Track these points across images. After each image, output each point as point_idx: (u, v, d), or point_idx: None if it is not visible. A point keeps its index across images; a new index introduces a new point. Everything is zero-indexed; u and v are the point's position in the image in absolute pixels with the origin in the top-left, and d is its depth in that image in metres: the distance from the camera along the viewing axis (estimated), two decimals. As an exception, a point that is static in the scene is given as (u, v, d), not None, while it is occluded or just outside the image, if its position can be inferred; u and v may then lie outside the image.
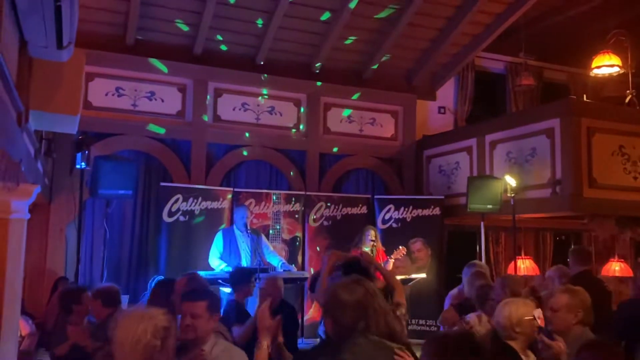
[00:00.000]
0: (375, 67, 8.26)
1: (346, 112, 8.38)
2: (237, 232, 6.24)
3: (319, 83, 8.10)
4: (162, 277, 6.18)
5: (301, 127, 8.08)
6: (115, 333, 2.10)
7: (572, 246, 9.40)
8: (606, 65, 7.26)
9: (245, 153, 7.69)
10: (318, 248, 7.45)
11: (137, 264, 6.95)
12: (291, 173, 7.91)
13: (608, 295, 4.50)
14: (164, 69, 7.28)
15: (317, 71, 8.11)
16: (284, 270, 6.13)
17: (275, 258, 6.33)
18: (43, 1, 2.50)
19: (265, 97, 7.88)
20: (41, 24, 2.76)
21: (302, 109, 8.11)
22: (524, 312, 2.94)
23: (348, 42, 7.87)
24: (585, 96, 7.80)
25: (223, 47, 7.57)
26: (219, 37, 7.43)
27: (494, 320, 3.04)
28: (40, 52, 3.10)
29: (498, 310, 3.01)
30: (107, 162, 5.80)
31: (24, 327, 5.01)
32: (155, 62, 7.24)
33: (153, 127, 7.17)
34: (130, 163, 6.13)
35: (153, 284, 5.98)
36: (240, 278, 4.41)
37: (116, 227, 6.82)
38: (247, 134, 7.69)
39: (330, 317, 2.28)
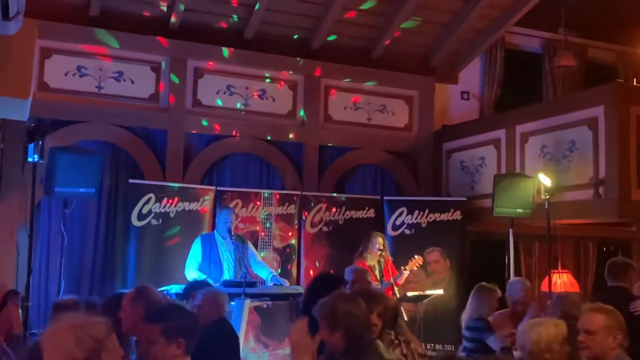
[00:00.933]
0: (386, 43, 8.25)
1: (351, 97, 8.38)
2: (218, 239, 6.25)
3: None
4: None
5: (301, 113, 8.07)
6: (42, 341, 2.12)
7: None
8: (661, 43, 7.25)
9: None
10: (318, 264, 7.45)
11: (100, 276, 6.95)
12: (285, 169, 7.92)
13: None
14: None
15: (318, 48, 8.10)
16: (274, 285, 6.15)
17: (264, 270, 6.33)
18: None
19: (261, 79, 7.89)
20: (-18, -10, 2.76)
21: (298, 93, 8.12)
22: (555, 335, 2.92)
23: (364, 7, 7.85)
24: (636, 80, 7.78)
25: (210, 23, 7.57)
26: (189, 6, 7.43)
27: (518, 344, 3.04)
28: (-18, 23, 3.10)
29: (523, 332, 3.01)
30: (66, 155, 5.80)
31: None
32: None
33: None
34: (93, 156, 6.13)
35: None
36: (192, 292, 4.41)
37: (76, 232, 6.81)
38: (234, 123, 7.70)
39: (342, 329, 2.57)
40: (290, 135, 8.01)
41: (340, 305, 2.74)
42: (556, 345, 2.92)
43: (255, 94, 7.92)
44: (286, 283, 6.34)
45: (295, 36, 8.04)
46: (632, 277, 4.63)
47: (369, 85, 8.40)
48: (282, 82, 8.07)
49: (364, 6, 7.79)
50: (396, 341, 3.36)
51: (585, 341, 3.02)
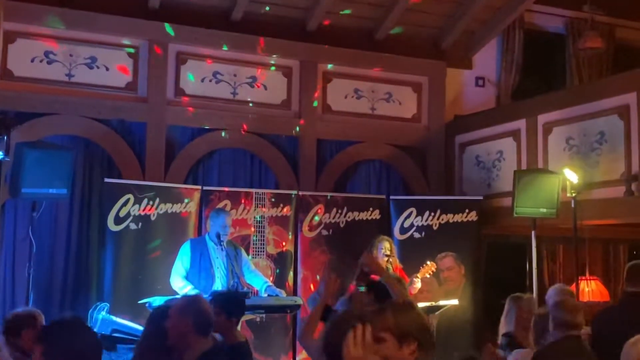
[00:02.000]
0: (394, 28, 8.27)
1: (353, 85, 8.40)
2: (210, 245, 6.25)
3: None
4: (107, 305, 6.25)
5: (293, 104, 8.10)
6: None
7: None
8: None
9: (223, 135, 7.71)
10: (319, 277, 7.47)
11: (73, 287, 6.96)
12: (279, 166, 7.94)
13: None
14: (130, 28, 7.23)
15: (315, 30, 8.12)
16: (268, 295, 6.17)
17: (259, 279, 6.35)
18: None
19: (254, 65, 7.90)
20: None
21: (293, 80, 8.14)
22: None
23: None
24: (671, 63, 7.82)
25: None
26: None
27: None
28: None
29: (627, 351, 3.03)
30: (33, 151, 5.80)
31: None
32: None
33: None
34: (64, 152, 6.13)
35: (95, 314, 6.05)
36: None
37: (46, 238, 6.81)
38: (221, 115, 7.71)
39: (414, 340, 2.53)
40: (284, 128, 8.02)
41: (407, 315, 2.65)
42: None
43: (245, 81, 7.93)
44: (282, 294, 6.35)
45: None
46: None
47: (373, 70, 8.41)
48: (275, 68, 8.08)
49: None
50: None
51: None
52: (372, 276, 3.95)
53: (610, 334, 3.50)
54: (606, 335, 3.23)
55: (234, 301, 4.28)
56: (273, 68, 8.08)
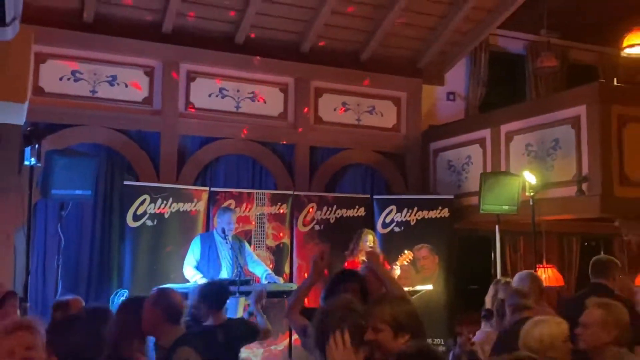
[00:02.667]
0: (374, 46, 8.27)
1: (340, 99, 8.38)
2: (217, 239, 6.22)
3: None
4: (126, 291, 6.21)
5: (289, 116, 8.08)
6: None
7: (602, 253, 9.46)
8: (639, 44, 7.30)
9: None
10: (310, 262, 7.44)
11: (97, 276, 6.92)
12: (277, 170, 7.91)
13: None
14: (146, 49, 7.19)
15: (308, 51, 8.10)
16: (268, 282, 6.14)
17: (260, 267, 6.32)
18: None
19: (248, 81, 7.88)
20: (-21, -4, 2.74)
21: (289, 95, 8.11)
22: (557, 333, 2.95)
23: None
24: (616, 80, 7.83)
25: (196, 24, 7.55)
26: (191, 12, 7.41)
27: (520, 342, 3.01)
28: (-20, 29, 3.08)
29: (525, 330, 3.02)
30: (62, 158, 5.76)
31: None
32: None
33: None
34: (88, 159, 6.09)
35: (116, 299, 6.02)
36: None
37: (72, 233, 6.78)
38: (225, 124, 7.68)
39: (408, 332, 2.47)
40: (282, 137, 8.00)
41: (403, 308, 2.57)
42: (559, 342, 2.93)
43: (246, 96, 7.90)
44: (280, 281, 6.33)
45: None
46: (615, 275, 4.65)
47: (358, 86, 8.40)
48: (273, 85, 8.06)
49: (353, 10, 7.80)
50: None
51: (580, 334, 3.06)
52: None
53: (576, 319, 3.49)
54: (573, 318, 3.21)
55: (211, 294, 4.18)
56: (271, 85, 8.05)
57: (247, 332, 4.24)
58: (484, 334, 4.55)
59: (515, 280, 4.55)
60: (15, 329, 2.48)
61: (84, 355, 2.56)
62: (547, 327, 2.97)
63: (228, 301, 5.33)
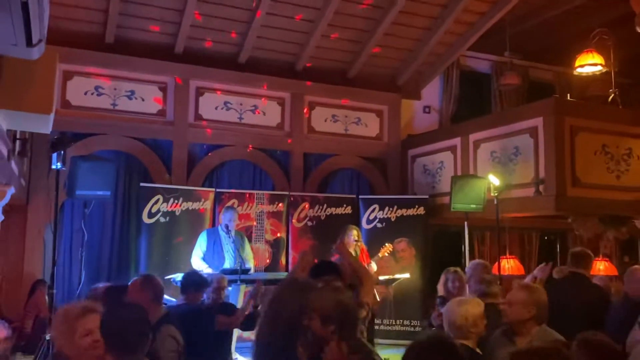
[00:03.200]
0: (359, 66, 8.28)
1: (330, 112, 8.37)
2: (221, 234, 6.19)
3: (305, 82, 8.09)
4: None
5: (286, 126, 8.07)
6: None
7: (557, 247, 9.48)
8: (589, 64, 7.32)
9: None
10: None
11: (116, 267, 6.89)
12: (275, 173, 7.90)
13: (599, 297, 4.41)
14: (160, 67, 7.18)
15: (302, 70, 8.11)
16: (266, 273, 6.12)
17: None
18: (9, -2, 2.46)
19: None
20: (9, 21, 2.71)
21: (286, 108, 8.10)
22: (479, 312, 3.07)
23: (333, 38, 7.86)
24: (569, 95, 7.86)
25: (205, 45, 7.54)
26: (201, 36, 7.40)
27: (445, 319, 3.08)
28: (10, 49, 3.05)
29: (452, 310, 3.07)
30: (85, 162, 5.71)
31: (0, 330, 4.94)
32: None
33: None
34: (108, 163, 6.06)
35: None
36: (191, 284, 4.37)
37: (95, 229, 6.76)
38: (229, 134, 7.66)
39: (334, 324, 2.36)
40: (279, 144, 7.98)
41: (331, 297, 2.43)
42: (479, 320, 3.04)
43: (248, 109, 7.89)
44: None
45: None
46: (590, 265, 4.66)
47: (346, 100, 8.40)
48: (271, 99, 8.05)
49: (340, 35, 7.81)
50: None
51: (505, 310, 3.20)
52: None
53: (559, 302, 3.52)
54: (556, 302, 3.25)
55: (190, 281, 4.28)
56: (270, 99, 8.04)
57: (223, 308, 4.35)
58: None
59: (467, 269, 4.53)
60: (88, 311, 2.42)
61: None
62: (470, 306, 3.07)
63: (230, 288, 5.36)
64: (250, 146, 7.77)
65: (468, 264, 6.92)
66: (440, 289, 4.72)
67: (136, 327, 2.31)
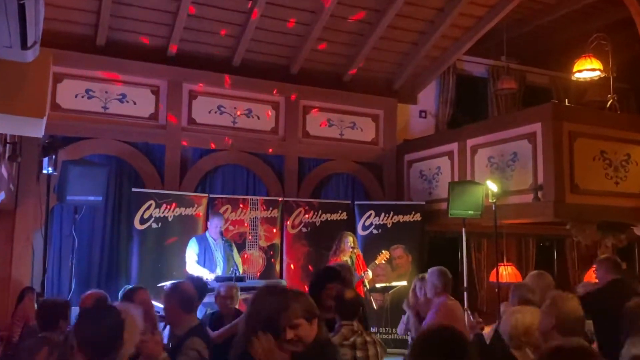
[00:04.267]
0: (354, 70, 8.31)
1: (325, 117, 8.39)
2: (210, 240, 6.19)
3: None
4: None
5: (280, 130, 8.08)
6: None
7: (555, 253, 9.53)
8: (587, 69, 7.39)
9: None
10: (298, 260, 7.43)
11: (107, 274, 6.86)
12: (269, 178, 7.89)
13: None
14: (152, 71, 7.19)
15: (296, 73, 8.12)
16: (260, 280, 6.11)
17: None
18: (5, 0, 2.46)
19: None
20: (4, 23, 2.71)
21: (280, 113, 8.11)
22: (530, 321, 3.00)
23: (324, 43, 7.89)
24: (567, 100, 7.93)
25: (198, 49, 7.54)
26: (193, 38, 7.40)
27: (501, 328, 3.08)
28: (4, 52, 3.04)
29: (504, 318, 3.08)
30: (76, 167, 5.71)
31: (-13, 339, 4.90)
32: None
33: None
34: (100, 167, 6.05)
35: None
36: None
37: (85, 235, 6.73)
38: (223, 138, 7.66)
39: (315, 317, 2.49)
40: (273, 149, 7.99)
41: (303, 298, 2.57)
42: (531, 329, 2.98)
43: (242, 113, 7.89)
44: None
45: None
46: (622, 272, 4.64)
47: (341, 105, 8.41)
48: (265, 103, 8.05)
49: (336, 38, 7.84)
50: (358, 331, 3.26)
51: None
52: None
53: (603, 309, 3.47)
54: (599, 310, 3.18)
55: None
56: (264, 103, 8.04)
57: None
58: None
59: (428, 274, 4.53)
60: None
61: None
62: (521, 315, 3.02)
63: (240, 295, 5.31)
64: (229, 140, 7.72)
65: (466, 269, 6.99)
66: (411, 296, 4.71)
67: (108, 331, 2.32)
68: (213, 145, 7.62)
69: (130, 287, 4.14)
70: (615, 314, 3.33)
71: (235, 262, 5.92)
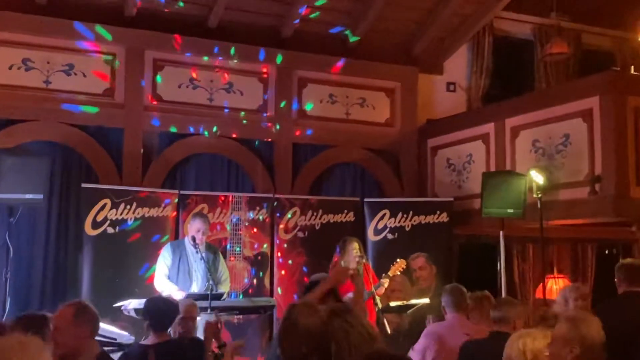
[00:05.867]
0: (363, 31, 8.28)
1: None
2: (189, 248, 6.17)
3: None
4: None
5: (269, 109, 8.08)
6: None
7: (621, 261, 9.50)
8: (659, 28, 7.35)
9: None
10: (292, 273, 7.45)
11: (52, 291, 6.88)
12: (255, 170, 7.91)
13: None
14: (107, 35, 7.23)
15: (290, 37, 8.11)
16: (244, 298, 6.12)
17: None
18: None
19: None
20: None
21: (269, 86, 8.12)
22: (541, 346, 3.03)
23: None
24: (633, 68, 7.88)
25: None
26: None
27: (505, 354, 3.14)
28: None
29: (510, 341, 3.13)
30: (10, 157, 5.78)
31: None
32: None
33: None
34: (40, 158, 6.10)
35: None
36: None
37: (23, 243, 6.74)
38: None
39: None
40: (261, 133, 8.00)
41: None
42: (540, 355, 3.02)
43: (221, 87, 7.89)
44: None
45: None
46: None
47: (347, 76, 8.41)
48: (250, 74, 8.05)
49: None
50: None
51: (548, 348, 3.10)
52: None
53: (615, 327, 3.49)
54: (612, 327, 3.22)
55: (156, 311, 4.27)
56: (249, 74, 8.04)
57: (192, 345, 4.25)
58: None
59: None
60: None
61: None
62: (530, 339, 3.08)
63: (199, 318, 5.35)
64: (221, 131, 7.76)
65: (504, 285, 6.98)
66: None
67: None
68: (185, 130, 7.62)
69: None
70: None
71: (212, 277, 5.86)
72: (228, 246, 7.19)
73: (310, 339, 2.81)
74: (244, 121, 7.93)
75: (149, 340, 4.12)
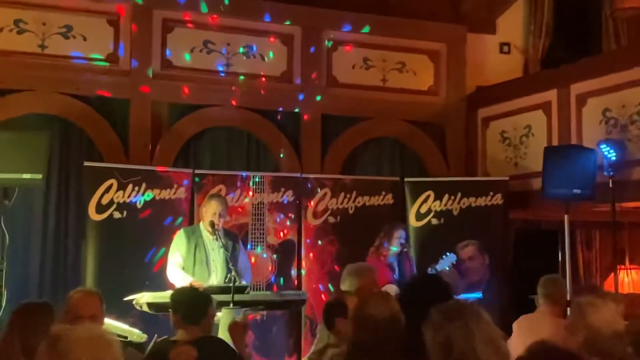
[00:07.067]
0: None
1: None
2: (205, 234, 6.25)
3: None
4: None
5: (295, 76, 8.13)
6: None
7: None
8: None
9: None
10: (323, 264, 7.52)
11: (51, 283, 7.00)
12: (279, 146, 7.97)
13: None
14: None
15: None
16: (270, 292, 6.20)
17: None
18: None
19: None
20: None
21: (294, 49, 8.14)
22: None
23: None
24: None
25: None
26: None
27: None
28: None
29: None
30: (4, 133, 5.85)
31: None
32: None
33: None
34: (38, 134, 6.17)
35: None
36: None
37: (20, 229, 6.85)
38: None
39: None
40: (285, 103, 8.05)
41: None
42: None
43: (238, 51, 7.94)
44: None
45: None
46: None
47: (383, 36, 8.42)
48: (273, 36, 8.10)
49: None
50: None
51: None
52: None
53: None
54: None
55: (187, 302, 4.34)
56: (271, 36, 8.07)
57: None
58: None
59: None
60: None
61: None
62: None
63: (219, 313, 5.45)
64: (236, 102, 7.81)
65: (569, 277, 7.00)
66: None
67: None
68: (198, 100, 7.70)
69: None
70: None
71: (234, 267, 5.92)
72: (249, 233, 7.26)
73: None
74: (265, 90, 7.99)
75: (180, 336, 4.09)
